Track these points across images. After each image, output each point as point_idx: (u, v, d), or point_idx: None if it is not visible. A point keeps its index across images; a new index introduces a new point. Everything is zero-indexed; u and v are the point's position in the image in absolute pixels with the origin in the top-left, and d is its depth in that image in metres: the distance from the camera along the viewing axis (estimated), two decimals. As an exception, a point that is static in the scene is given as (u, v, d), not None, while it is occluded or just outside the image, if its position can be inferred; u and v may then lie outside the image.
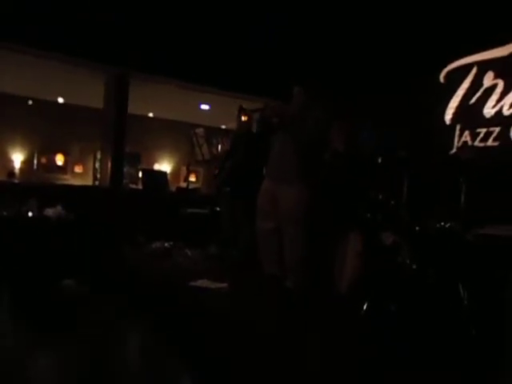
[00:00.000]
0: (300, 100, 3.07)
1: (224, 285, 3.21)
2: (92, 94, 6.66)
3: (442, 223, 2.62)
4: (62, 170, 8.98)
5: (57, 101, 8.38)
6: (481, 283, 2.29)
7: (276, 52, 5.60)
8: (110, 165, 6.07)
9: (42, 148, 8.63)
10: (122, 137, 6.06)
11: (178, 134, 8.83)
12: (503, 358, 1.04)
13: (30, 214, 3.77)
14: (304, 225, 2.99)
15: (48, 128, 8.35)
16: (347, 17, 4.73)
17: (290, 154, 2.98)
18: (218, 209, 4.57)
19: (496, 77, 4.04)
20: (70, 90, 7.33)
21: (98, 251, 3.73)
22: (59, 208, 3.90)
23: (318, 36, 5.06)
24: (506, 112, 3.91)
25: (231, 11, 5.06)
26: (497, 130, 3.94)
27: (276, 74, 5.45)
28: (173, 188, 6.61)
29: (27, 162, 8.51)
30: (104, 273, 3.39)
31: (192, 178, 9.68)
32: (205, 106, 8.03)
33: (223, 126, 7.77)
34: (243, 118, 3.10)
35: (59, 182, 8.52)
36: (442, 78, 4.49)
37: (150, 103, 8.09)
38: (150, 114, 9.33)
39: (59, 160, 8.96)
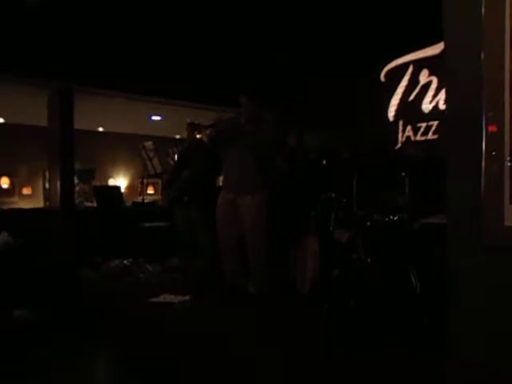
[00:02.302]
0: (249, 110, 3.12)
1: (186, 298, 3.17)
2: (35, 111, 6.35)
3: (391, 216, 2.75)
4: (9, 193, 8.50)
5: (-4, 121, 7.93)
6: (429, 269, 2.41)
7: (224, 61, 5.62)
8: (59, 184, 5.81)
9: (-17, 172, 8.12)
10: (69, 154, 5.81)
11: (130, 147, 8.60)
12: (448, 340, 1.11)
13: (-27, 244, 3.53)
14: (266, 231, 3.06)
15: (-11, 150, 7.87)
16: (288, 20, 4.84)
17: (247, 165, 3.05)
18: (173, 220, 4.50)
19: (430, 74, 4.30)
20: (11, 109, 6.95)
21: (51, 276, 3.56)
22: (5, 234, 3.68)
23: (261, 41, 5.13)
24: (442, 106, 4.16)
25: (178, 21, 5.02)
26: (435, 123, 4.20)
27: (225, 83, 5.47)
28: (129, 203, 6.43)
29: (-32, 188, 7.97)
30: (59, 299, 3.23)
31: (151, 191, 9.49)
32: (156, 117, 7.90)
33: (177, 136, 7.68)
34: (198, 136, 3.10)
35: (6, 207, 8.03)
36: (382, 77, 4.72)
37: (98, 117, 7.84)
38: (100, 129, 9.05)
39: (4, 183, 8.47)
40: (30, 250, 3.94)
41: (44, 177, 8.55)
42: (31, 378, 2.05)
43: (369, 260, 2.69)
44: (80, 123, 6.12)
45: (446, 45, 1.25)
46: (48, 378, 2.05)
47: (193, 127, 3.08)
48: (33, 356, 2.31)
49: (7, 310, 2.97)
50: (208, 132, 3.04)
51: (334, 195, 3.15)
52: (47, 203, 8.34)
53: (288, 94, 4.80)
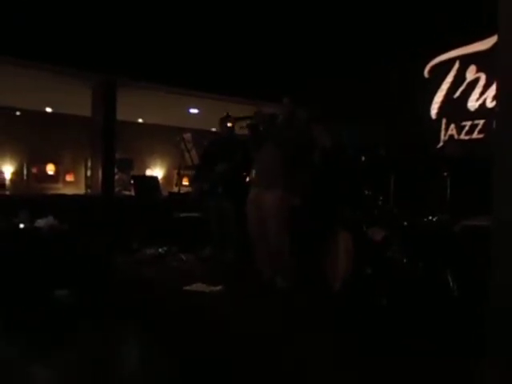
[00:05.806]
0: (289, 110, 3.17)
1: (218, 287, 3.23)
2: (80, 102, 6.64)
3: (430, 217, 2.67)
4: (54, 179, 8.94)
5: (45, 110, 8.35)
6: (468, 272, 2.33)
7: (263, 56, 5.63)
8: (100, 172, 6.06)
9: (32, 158, 8.59)
10: (111, 144, 6.05)
11: (168, 139, 8.81)
12: (486, 345, 1.07)
13: (22, 225, 3.75)
14: (286, 226, 3.08)
15: (37, 138, 8.32)
16: (328, 20, 4.77)
17: (274, 163, 3.13)
18: (205, 211, 4.58)
19: (478, 70, 4.11)
20: (58, 99, 7.30)
21: (90, 260, 3.73)
22: (50, 218, 3.87)
23: (303, 40, 5.10)
24: (489, 104, 3.97)
25: (217, 17, 5.09)
26: (481, 122, 4.01)
27: (263, 77, 5.49)
28: (165, 193, 6.60)
29: (17, 173, 8.46)
30: (98, 281, 3.39)
31: (186, 182, 9.70)
32: (194, 110, 8.04)
33: (213, 129, 7.79)
34: (229, 125, 3.19)
35: (51, 192, 8.48)
36: (426, 74, 4.56)
37: (138, 109, 8.08)
38: (140, 120, 9.32)
39: (50, 169, 8.92)
40: (71, 235, 4.13)
41: (86, 165, 8.93)
42: (73, 356, 2.16)
43: (404, 260, 2.63)
44: (121, 114, 6.35)
45: (499, 39, 1.20)
46: (86, 358, 2.16)
47: (224, 118, 3.15)
48: (74, 335, 2.44)
49: (50, 290, 3.15)
50: (246, 124, 3.10)
51: (369, 192, 3.09)
52: (88, 190, 8.72)
53: (325, 91, 4.74)
